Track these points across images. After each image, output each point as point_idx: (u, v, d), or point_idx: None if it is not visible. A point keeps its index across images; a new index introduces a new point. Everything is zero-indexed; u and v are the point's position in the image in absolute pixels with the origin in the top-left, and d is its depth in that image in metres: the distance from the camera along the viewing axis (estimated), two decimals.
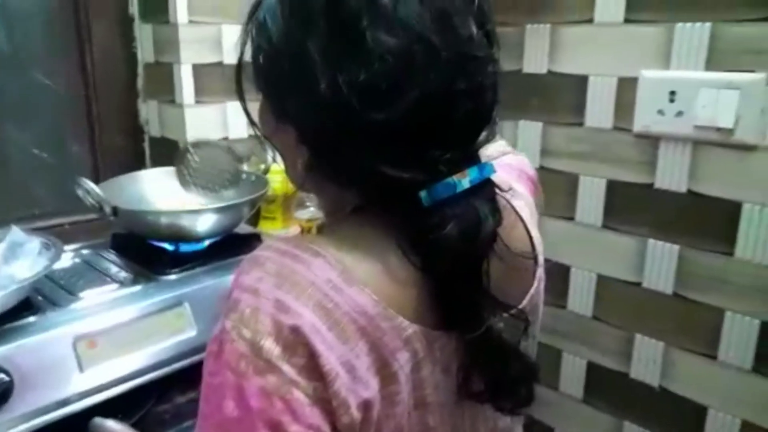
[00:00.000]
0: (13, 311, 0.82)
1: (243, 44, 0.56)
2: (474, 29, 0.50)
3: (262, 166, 1.25)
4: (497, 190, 0.53)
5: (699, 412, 1.08)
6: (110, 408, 0.85)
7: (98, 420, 0.79)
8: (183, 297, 0.96)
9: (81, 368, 0.82)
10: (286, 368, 0.45)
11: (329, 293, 0.46)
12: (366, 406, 0.47)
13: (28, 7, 1.30)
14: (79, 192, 1.02)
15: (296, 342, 0.45)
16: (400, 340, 0.48)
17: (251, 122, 0.59)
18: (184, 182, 1.13)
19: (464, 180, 0.49)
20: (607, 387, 1.19)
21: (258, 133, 0.60)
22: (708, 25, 0.96)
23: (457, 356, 0.52)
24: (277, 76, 0.53)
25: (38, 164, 1.37)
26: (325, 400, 0.45)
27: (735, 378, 1.03)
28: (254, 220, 1.41)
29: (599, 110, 1.10)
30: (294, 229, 1.43)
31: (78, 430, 0.78)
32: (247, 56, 0.55)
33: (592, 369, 1.21)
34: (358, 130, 0.48)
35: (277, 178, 1.37)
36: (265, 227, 1.40)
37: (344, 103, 0.47)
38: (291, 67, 0.50)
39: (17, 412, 0.76)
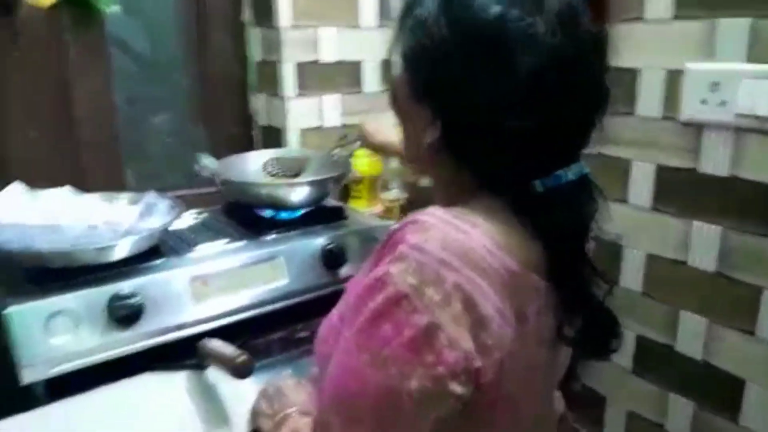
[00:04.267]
0: (146, 254, 1.01)
1: (397, 37, 0.64)
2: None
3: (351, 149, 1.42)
4: None
5: (738, 385, 1.11)
6: (215, 336, 0.99)
7: (205, 340, 0.95)
8: (278, 252, 1.11)
9: (195, 301, 1.00)
10: (442, 314, 0.53)
11: (485, 256, 0.56)
12: (513, 340, 0.57)
13: (163, 21, 1.54)
14: (197, 165, 1.23)
15: (455, 294, 0.54)
16: (534, 293, 0.59)
17: (394, 100, 0.68)
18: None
19: (569, 173, 0.60)
20: (654, 359, 1.24)
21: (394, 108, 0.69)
22: (748, 20, 1.01)
23: (559, 306, 0.62)
24: (434, 68, 0.60)
25: (170, 147, 1.60)
26: (477, 338, 0.54)
27: None
28: (344, 197, 1.54)
29: (649, 101, 1.16)
30: (378, 208, 1.56)
31: (189, 349, 0.95)
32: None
33: (641, 342, 1.26)
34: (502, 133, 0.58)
35: (364, 161, 1.53)
36: (352, 204, 1.52)
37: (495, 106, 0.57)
38: (456, 65, 0.58)
39: (146, 329, 0.94)
